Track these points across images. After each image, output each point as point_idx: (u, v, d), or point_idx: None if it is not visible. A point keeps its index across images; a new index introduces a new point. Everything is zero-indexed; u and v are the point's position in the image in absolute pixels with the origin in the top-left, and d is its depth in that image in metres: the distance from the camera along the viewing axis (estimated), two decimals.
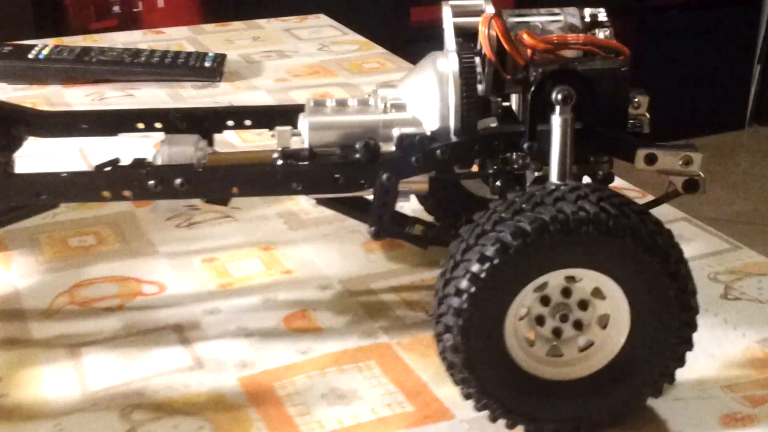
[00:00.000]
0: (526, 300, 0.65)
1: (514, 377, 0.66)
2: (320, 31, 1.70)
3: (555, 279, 0.65)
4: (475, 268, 0.63)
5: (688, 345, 0.65)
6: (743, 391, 0.71)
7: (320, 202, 0.79)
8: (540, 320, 0.66)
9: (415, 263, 0.89)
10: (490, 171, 0.76)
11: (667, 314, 0.64)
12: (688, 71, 3.08)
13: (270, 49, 1.58)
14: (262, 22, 1.75)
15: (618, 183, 1.03)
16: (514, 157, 0.74)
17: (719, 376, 0.72)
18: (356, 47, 1.60)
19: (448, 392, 0.68)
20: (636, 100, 0.78)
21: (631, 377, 0.66)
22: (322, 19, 1.78)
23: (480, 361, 0.65)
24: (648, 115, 0.79)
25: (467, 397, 0.66)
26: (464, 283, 0.63)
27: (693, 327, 0.64)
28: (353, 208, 0.79)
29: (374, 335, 0.78)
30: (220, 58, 1.43)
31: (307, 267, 0.89)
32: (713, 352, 0.75)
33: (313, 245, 0.93)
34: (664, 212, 0.95)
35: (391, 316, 0.81)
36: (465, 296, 0.63)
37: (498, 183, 0.76)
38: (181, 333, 0.79)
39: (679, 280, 0.63)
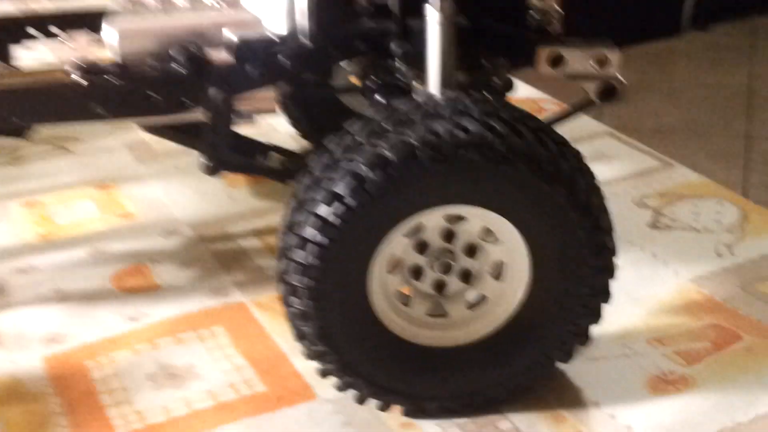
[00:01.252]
0: (395, 248, 0.50)
1: (385, 346, 0.51)
2: None
3: (432, 220, 0.50)
4: (323, 210, 0.47)
5: (605, 296, 0.50)
6: (675, 344, 0.57)
7: (149, 129, 0.62)
8: (417, 272, 0.51)
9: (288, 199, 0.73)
10: (371, 83, 0.61)
11: (576, 259, 0.49)
12: None
13: None
14: None
15: (530, 93, 0.88)
16: (398, 65, 0.59)
17: (646, 327, 0.58)
18: None
19: (313, 364, 0.53)
20: None
21: (534, 339, 0.51)
22: None
23: (338, 330, 0.50)
24: (559, 10, 0.64)
25: (325, 374, 0.51)
26: (309, 231, 0.48)
27: (610, 273, 0.50)
28: (191, 136, 0.62)
29: (225, 292, 0.63)
30: None
31: (153, 208, 0.73)
32: (639, 295, 0.61)
33: (163, 181, 0.77)
34: (583, 126, 0.80)
35: (249, 267, 0.66)
36: (312, 248, 0.48)
37: (379, 98, 0.60)
38: None
39: (590, 214, 0.48)
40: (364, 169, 0.47)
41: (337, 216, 0.47)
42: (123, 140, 0.82)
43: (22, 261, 0.66)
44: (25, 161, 0.79)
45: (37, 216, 0.72)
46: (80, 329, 0.60)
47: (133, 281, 0.64)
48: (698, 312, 0.59)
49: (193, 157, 0.77)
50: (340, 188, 0.47)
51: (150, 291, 0.63)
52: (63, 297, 0.63)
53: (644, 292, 0.61)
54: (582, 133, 0.80)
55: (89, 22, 0.62)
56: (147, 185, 0.76)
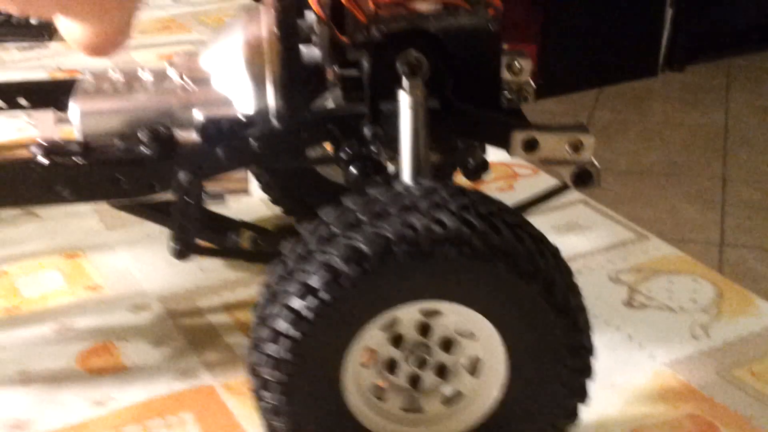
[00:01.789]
0: (370, 341, 0.49)
1: None
2: None
3: (408, 314, 0.49)
4: (297, 304, 0.46)
5: (582, 396, 0.49)
6: None
7: (115, 204, 0.61)
8: (391, 366, 0.50)
9: (260, 271, 0.72)
10: (344, 155, 0.60)
11: (553, 358, 0.48)
12: (597, 16, 2.95)
13: None
14: None
15: (504, 157, 0.87)
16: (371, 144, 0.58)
17: (623, 416, 0.58)
18: None
19: None
20: (516, 64, 0.62)
21: None
22: None
23: (311, 426, 0.49)
24: (533, 84, 0.63)
25: None
26: (283, 324, 0.46)
27: (587, 373, 0.49)
28: (160, 212, 0.61)
29: (195, 375, 0.62)
30: None
31: (121, 280, 0.71)
32: (615, 381, 0.60)
33: (132, 250, 0.75)
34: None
35: (220, 346, 0.64)
36: (285, 342, 0.47)
37: (353, 170, 0.59)
38: None
39: (567, 313, 0.47)
40: (339, 263, 0.46)
41: (311, 310, 0.46)
42: (92, 205, 0.80)
43: None
44: None
45: (3, 288, 0.70)
46: (44, 415, 0.58)
47: (100, 361, 0.62)
48: (675, 400, 0.58)
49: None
50: (315, 281, 0.46)
51: (117, 372, 0.62)
52: (28, 378, 0.61)
53: (620, 377, 0.60)
54: (555, 201, 0.79)
55: (60, 95, 0.60)
56: (116, 254, 0.74)
